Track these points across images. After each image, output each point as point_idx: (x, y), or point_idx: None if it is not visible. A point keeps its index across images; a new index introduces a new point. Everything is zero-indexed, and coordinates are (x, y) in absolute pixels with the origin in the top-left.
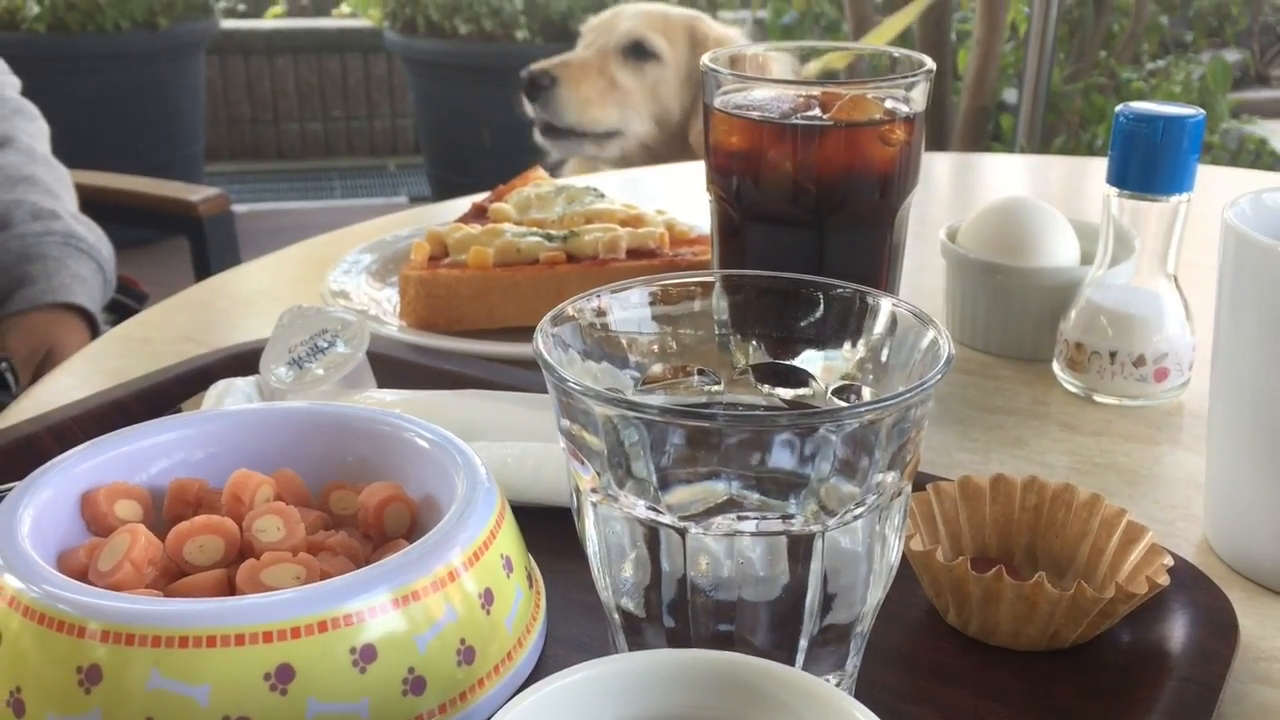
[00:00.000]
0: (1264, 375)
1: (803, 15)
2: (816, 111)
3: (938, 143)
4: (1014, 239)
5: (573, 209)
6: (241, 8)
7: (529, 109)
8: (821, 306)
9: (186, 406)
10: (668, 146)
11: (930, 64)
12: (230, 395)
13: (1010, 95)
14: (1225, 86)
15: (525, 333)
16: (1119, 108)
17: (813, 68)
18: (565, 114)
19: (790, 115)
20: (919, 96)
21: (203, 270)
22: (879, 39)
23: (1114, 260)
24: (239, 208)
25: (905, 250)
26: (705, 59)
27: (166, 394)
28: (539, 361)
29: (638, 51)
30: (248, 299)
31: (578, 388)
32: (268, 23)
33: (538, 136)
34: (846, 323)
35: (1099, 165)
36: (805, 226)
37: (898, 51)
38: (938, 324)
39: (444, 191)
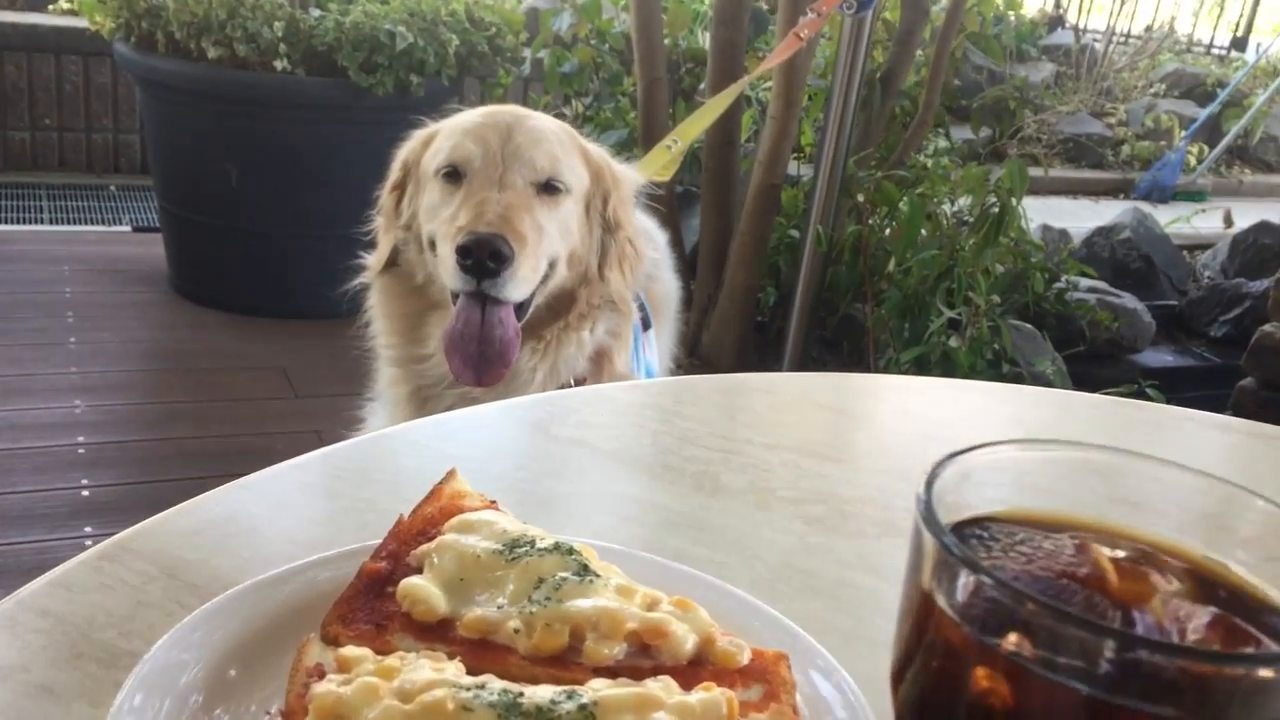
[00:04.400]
0: None
1: (583, 65)
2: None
3: (725, 218)
4: None
5: (544, 603)
6: None
7: (462, 281)
8: None
9: None
10: (576, 286)
11: None
12: None
13: (792, 168)
14: (1023, 188)
15: None
16: None
17: None
18: (517, 290)
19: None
20: None
21: None
22: (697, 125)
23: None
24: None
25: None
26: (921, 488)
27: None
28: None
29: (550, 188)
30: None
31: None
32: None
33: (452, 280)
34: None
35: None
36: None
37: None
38: None
39: (175, 227)
